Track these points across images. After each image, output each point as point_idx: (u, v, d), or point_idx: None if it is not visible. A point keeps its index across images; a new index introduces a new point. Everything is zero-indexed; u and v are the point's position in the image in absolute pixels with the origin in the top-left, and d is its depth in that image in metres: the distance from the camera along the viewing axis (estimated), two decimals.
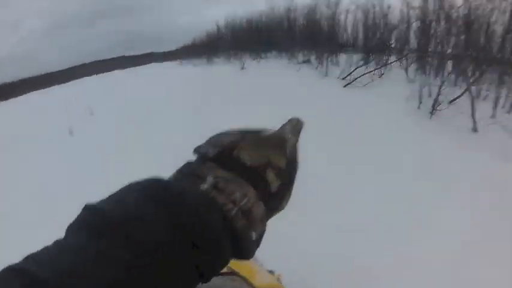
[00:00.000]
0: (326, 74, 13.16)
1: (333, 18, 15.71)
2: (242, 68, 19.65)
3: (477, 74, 8.20)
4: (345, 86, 10.95)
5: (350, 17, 15.81)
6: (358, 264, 2.87)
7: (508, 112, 7.42)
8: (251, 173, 0.37)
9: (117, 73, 46.98)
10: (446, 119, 7.13)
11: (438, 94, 7.47)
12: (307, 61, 16.64)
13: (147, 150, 6.58)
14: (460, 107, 7.12)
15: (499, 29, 8.99)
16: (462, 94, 7.76)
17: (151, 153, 6.17)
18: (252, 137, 0.40)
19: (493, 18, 9.19)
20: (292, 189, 0.40)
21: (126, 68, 55.94)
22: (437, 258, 2.96)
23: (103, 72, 54.92)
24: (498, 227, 3.38)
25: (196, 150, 0.39)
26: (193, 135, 0.83)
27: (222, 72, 19.84)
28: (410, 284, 2.70)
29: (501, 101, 7.60)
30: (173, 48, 77.58)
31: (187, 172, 0.36)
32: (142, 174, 0.33)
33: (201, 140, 0.39)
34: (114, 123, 10.04)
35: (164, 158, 3.09)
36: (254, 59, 23.42)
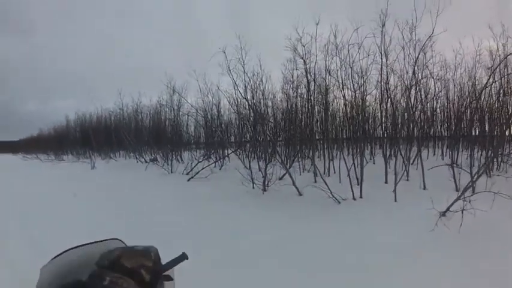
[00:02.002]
0: (171, 171, 13.58)
1: (176, 119, 16.77)
2: (93, 168, 19.05)
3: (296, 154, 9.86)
4: (188, 180, 11.44)
5: (191, 118, 17.12)
6: None
7: (327, 175, 8.91)
8: (131, 272, 0.94)
9: None
10: (277, 191, 8.58)
11: (265, 175, 8.85)
12: (154, 160, 16.96)
13: None
14: (289, 180, 8.57)
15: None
16: (285, 174, 9.23)
17: None
18: (130, 251, 0.98)
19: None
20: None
21: None
22: None
23: None
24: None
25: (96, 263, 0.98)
26: None
27: (73, 170, 19.31)
28: None
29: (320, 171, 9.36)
30: (15, 138, 67.31)
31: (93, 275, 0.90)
32: None
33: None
34: None
35: None
36: (103, 159, 23.10)
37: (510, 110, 10.33)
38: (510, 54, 7.99)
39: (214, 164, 12.69)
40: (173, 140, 16.78)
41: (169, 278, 1.32)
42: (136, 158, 19.30)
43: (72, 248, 1.11)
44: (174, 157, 15.26)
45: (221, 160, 13.70)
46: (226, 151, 14.96)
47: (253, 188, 8.98)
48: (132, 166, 17.69)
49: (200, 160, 13.15)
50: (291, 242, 5.29)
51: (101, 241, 1.20)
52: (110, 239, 1.23)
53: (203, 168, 11.79)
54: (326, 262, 4.36)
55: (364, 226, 5.98)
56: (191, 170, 12.12)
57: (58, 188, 12.01)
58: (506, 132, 10.15)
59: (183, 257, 1.40)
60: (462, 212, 5.49)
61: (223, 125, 15.79)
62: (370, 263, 4.26)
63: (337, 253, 4.72)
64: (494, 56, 9.27)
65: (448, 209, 5.85)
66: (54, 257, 1.07)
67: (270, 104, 12.95)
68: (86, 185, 12.86)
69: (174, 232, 5.62)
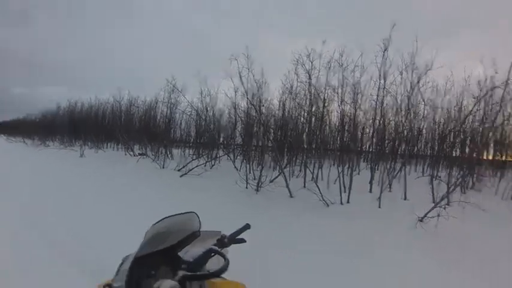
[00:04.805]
0: (163, 166, 13.83)
1: (170, 117, 17.03)
2: (81, 156, 19.01)
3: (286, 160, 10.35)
4: (181, 176, 11.74)
5: (184, 116, 17.45)
6: None
7: (315, 182, 9.43)
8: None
9: None
10: (268, 192, 9.00)
11: (260, 175, 9.33)
12: (143, 154, 17.10)
13: None
14: (280, 183, 9.12)
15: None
16: (278, 175, 9.77)
17: None
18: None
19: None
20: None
21: None
22: None
23: None
24: None
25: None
26: None
27: (62, 157, 19.28)
28: None
29: (308, 177, 9.94)
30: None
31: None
32: None
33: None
34: None
35: None
36: (91, 148, 23.08)
37: (488, 136, 11.16)
38: (496, 87, 8.66)
39: (205, 164, 13.09)
40: (166, 136, 17.05)
41: (243, 240, 1.90)
42: (126, 150, 19.40)
43: (166, 218, 1.49)
44: (165, 153, 15.54)
45: (212, 160, 14.11)
46: (217, 152, 15.42)
47: (247, 188, 9.44)
48: (122, 158, 17.83)
49: (193, 158, 13.52)
50: (282, 238, 5.75)
51: (183, 213, 1.60)
52: (189, 212, 1.64)
53: (197, 166, 12.13)
54: (316, 259, 4.75)
55: (352, 226, 6.59)
56: (183, 166, 12.44)
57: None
58: (482, 156, 11.04)
59: (247, 226, 1.95)
60: (438, 218, 6.32)
61: (217, 126, 16.22)
62: (360, 262, 4.75)
63: (327, 249, 5.21)
64: (481, 86, 10.00)
65: (425, 215, 6.63)
66: (154, 224, 1.45)
67: (264, 110, 13.46)
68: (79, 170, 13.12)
69: None
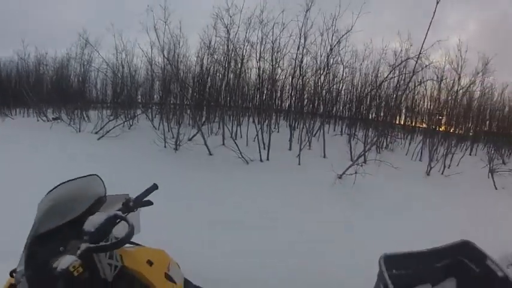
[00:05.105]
0: (79, 130, 12.89)
1: (84, 75, 15.69)
2: None
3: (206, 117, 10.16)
4: (98, 139, 11.04)
5: (100, 75, 16.17)
6: None
7: (233, 139, 9.33)
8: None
9: None
10: (187, 151, 8.77)
11: (178, 134, 9.01)
12: (57, 118, 15.77)
13: None
14: (199, 141, 8.91)
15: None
16: (197, 133, 9.56)
17: None
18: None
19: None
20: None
21: None
22: None
23: None
24: None
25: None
26: None
27: None
28: None
29: (227, 135, 9.77)
30: None
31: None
32: None
33: None
34: None
35: None
36: None
37: (401, 102, 11.98)
38: (410, 58, 9.08)
39: (123, 124, 12.37)
40: (81, 97, 15.75)
41: (150, 203, 1.74)
42: (37, 115, 17.68)
43: (62, 184, 1.33)
44: (81, 115, 14.43)
45: (130, 120, 13.40)
46: (135, 111, 14.62)
47: (165, 147, 9.11)
48: (34, 125, 16.15)
49: (110, 119, 12.68)
50: (204, 194, 5.73)
51: (83, 177, 1.44)
52: (90, 175, 1.48)
53: (114, 127, 11.44)
54: (235, 215, 4.80)
55: (272, 182, 6.69)
56: (101, 128, 11.68)
57: None
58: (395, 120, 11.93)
59: (154, 187, 1.76)
60: (355, 175, 6.67)
61: (134, 84, 15.26)
62: (278, 216, 4.87)
63: (246, 206, 5.22)
64: (397, 56, 10.43)
65: (344, 172, 6.90)
66: (48, 192, 1.28)
67: (182, 67, 12.88)
68: None
69: None
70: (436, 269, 2.51)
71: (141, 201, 1.66)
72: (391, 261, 2.24)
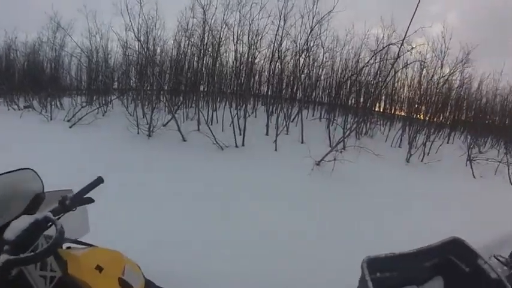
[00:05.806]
0: (51, 118, 12.44)
1: (57, 61, 15.08)
2: None
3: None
4: (71, 127, 10.68)
5: (74, 60, 15.54)
6: None
7: (207, 125, 9.17)
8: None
9: None
10: (161, 136, 8.66)
11: (151, 120, 8.75)
12: (28, 106, 15.20)
13: None
14: (173, 126, 8.73)
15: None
16: (171, 119, 9.29)
17: None
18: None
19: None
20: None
21: None
22: None
23: None
24: None
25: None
26: None
27: None
28: None
29: (202, 120, 9.51)
30: None
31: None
32: None
33: None
34: None
35: None
36: None
37: (381, 89, 11.89)
38: (392, 44, 8.92)
39: (97, 110, 11.98)
40: (53, 83, 15.15)
41: (91, 200, 1.47)
42: (8, 104, 17.00)
43: None
44: (53, 103, 13.92)
45: (104, 106, 12.99)
46: (110, 97, 14.15)
47: (138, 133, 8.84)
48: (3, 113, 15.59)
49: (83, 106, 12.27)
50: (175, 182, 5.54)
51: (14, 171, 1.22)
52: (23, 169, 1.26)
53: (87, 114, 11.07)
54: (212, 202, 4.70)
55: (248, 169, 6.53)
56: (73, 116, 11.29)
57: None
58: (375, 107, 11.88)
59: (99, 180, 1.50)
60: (334, 161, 6.56)
61: (109, 69, 14.76)
62: (249, 205, 4.72)
63: (224, 195, 5.07)
64: (378, 42, 10.36)
65: (322, 159, 6.76)
66: None
67: (158, 50, 12.47)
68: None
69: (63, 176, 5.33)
70: (424, 269, 2.41)
71: (81, 198, 1.42)
72: (375, 264, 2.12)
